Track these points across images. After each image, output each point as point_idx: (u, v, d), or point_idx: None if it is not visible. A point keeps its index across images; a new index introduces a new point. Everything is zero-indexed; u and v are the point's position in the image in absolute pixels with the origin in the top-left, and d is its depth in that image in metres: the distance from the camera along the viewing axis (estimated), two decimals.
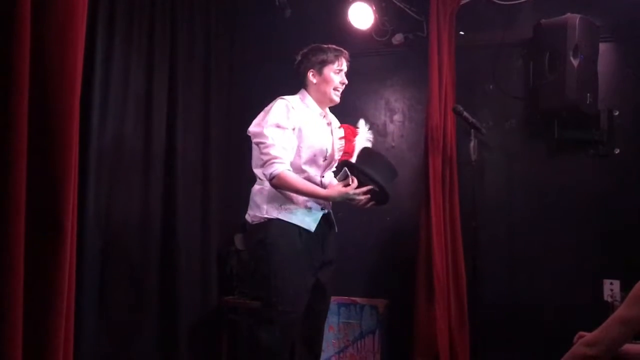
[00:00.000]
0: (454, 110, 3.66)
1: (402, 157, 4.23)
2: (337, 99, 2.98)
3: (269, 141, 2.75)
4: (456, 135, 3.85)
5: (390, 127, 4.29)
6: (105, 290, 3.27)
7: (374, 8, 3.94)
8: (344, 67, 2.97)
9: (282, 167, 2.72)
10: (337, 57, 2.95)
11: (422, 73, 3.91)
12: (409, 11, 4.06)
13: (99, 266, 3.24)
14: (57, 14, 1.54)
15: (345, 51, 3.01)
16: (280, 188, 2.77)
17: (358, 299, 3.97)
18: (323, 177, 2.96)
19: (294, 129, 2.82)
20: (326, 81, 2.93)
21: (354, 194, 2.73)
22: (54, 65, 1.54)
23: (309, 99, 2.96)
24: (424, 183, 3.77)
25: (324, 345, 3.81)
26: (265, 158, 2.75)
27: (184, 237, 3.72)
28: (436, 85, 3.77)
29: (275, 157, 2.72)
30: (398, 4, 4.05)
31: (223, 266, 4.08)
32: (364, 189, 2.74)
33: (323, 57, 2.93)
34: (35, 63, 1.49)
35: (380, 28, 4.12)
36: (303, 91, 2.99)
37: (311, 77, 2.94)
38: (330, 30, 3.94)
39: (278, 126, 2.78)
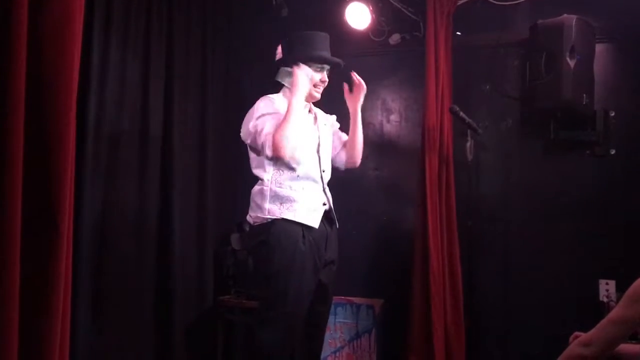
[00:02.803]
0: (451, 110, 3.67)
1: (399, 157, 4.24)
2: (317, 96, 2.97)
3: (259, 127, 2.75)
4: (453, 135, 3.86)
5: (387, 127, 4.30)
6: (101, 290, 3.26)
7: (371, 8, 3.94)
8: (325, 66, 2.95)
9: (272, 138, 2.69)
10: None
11: (418, 73, 3.91)
12: (406, 11, 4.06)
13: (95, 265, 3.23)
14: (53, 6, 1.53)
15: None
16: (286, 151, 2.69)
17: (354, 299, 3.97)
18: (324, 171, 2.95)
19: (279, 112, 2.80)
20: None
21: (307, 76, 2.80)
22: (51, 63, 1.54)
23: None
24: (421, 183, 3.77)
25: None
26: (261, 140, 2.73)
27: (180, 236, 3.71)
28: (433, 85, 3.78)
29: (265, 136, 2.71)
30: (395, 4, 4.05)
31: (219, 266, 4.08)
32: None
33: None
34: (32, 61, 1.49)
35: (377, 28, 4.13)
36: (285, 88, 2.97)
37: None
38: (328, 30, 3.93)
39: (265, 114, 2.78)
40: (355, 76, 3.01)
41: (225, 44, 4.35)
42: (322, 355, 3.85)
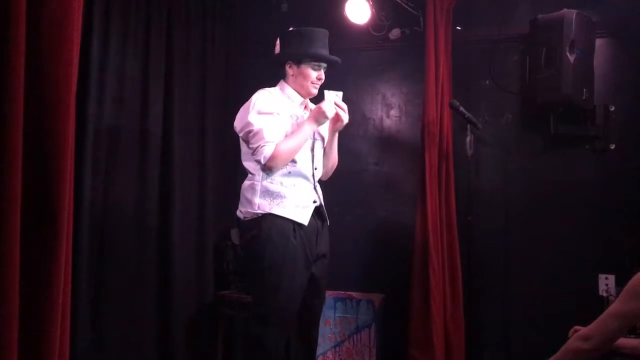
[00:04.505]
0: (451, 105, 3.67)
1: (399, 152, 4.24)
2: (314, 92, 2.95)
3: (255, 127, 2.74)
4: (452, 130, 3.86)
5: (387, 122, 4.30)
6: (102, 285, 3.27)
7: (371, 3, 3.93)
8: (323, 64, 2.93)
9: (272, 148, 2.71)
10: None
11: (418, 68, 3.91)
12: (406, 6, 4.05)
13: (96, 261, 3.23)
14: (52, 1, 1.53)
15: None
16: (279, 165, 2.75)
17: (354, 294, 3.97)
18: (316, 168, 2.96)
19: (278, 114, 2.81)
20: (303, 75, 2.91)
21: (328, 106, 2.78)
22: (50, 58, 1.54)
23: (288, 89, 2.94)
24: (421, 177, 3.78)
25: (320, 339, 3.82)
26: (255, 145, 2.74)
27: (180, 231, 3.72)
28: (433, 80, 3.78)
29: (265, 142, 2.71)
30: None
31: (220, 261, 4.08)
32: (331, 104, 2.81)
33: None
34: (30, 56, 1.49)
35: (377, 23, 4.12)
36: (282, 82, 2.97)
37: (288, 68, 2.93)
38: (327, 25, 3.92)
39: (261, 112, 2.77)
40: (341, 106, 2.88)
41: (225, 39, 4.34)
42: (323, 350, 3.88)
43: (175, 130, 3.74)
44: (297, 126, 2.84)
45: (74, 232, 1.80)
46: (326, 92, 2.84)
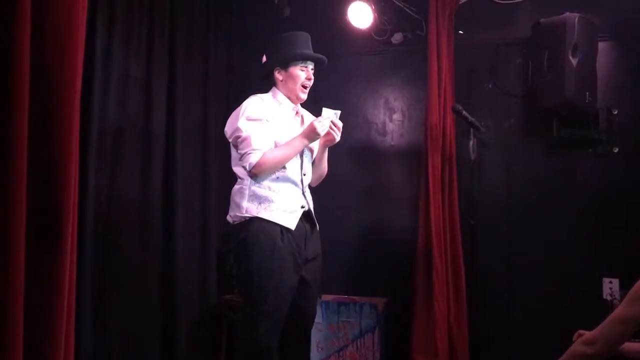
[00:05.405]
0: (453, 109, 3.67)
1: (402, 156, 4.24)
2: (303, 97, 2.96)
3: (243, 134, 2.76)
4: (455, 134, 3.86)
5: (390, 126, 4.30)
6: (105, 288, 3.26)
7: (373, 7, 3.94)
8: (309, 64, 2.95)
9: (258, 155, 2.72)
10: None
11: (421, 72, 3.92)
12: (408, 10, 4.06)
13: (99, 264, 3.23)
14: (57, 1, 1.54)
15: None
16: (264, 173, 2.76)
17: (357, 298, 3.97)
18: (305, 174, 2.96)
19: (268, 121, 2.82)
20: (292, 77, 2.92)
21: (320, 124, 2.79)
22: (54, 59, 1.54)
23: (280, 96, 2.96)
24: (424, 181, 3.78)
25: (324, 343, 3.83)
26: (242, 151, 2.75)
27: (183, 235, 3.72)
28: (435, 84, 3.78)
29: (252, 149, 2.73)
30: (397, 3, 4.05)
31: (222, 264, 4.08)
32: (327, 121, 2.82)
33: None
34: (35, 56, 1.49)
35: (379, 27, 4.13)
36: (274, 88, 2.99)
37: (277, 74, 2.95)
38: (330, 29, 3.94)
39: (250, 119, 2.79)
40: (337, 125, 2.89)
41: (227, 41, 4.36)
42: (326, 354, 3.88)
43: (179, 132, 3.75)
44: (293, 143, 2.83)
45: (78, 233, 1.80)
46: (324, 109, 2.84)
